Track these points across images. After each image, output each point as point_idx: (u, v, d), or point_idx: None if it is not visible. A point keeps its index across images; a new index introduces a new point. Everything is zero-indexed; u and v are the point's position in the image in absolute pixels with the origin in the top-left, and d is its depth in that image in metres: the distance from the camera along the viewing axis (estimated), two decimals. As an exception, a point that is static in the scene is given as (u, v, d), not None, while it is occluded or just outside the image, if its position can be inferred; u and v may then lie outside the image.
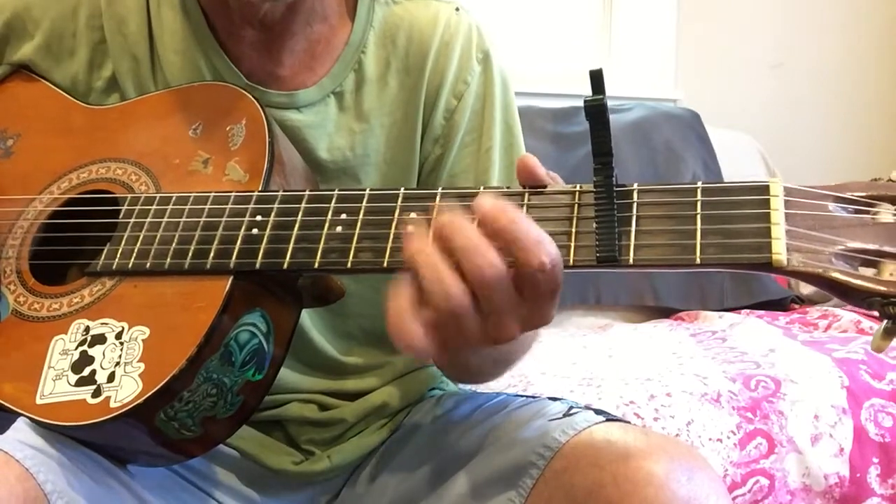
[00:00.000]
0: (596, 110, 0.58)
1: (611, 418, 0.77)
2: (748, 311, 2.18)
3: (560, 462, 0.73)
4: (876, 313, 0.53)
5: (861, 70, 2.79)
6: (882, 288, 0.53)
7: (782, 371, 1.53)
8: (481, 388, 0.97)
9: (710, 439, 1.40)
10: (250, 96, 0.80)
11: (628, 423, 0.78)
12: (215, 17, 0.86)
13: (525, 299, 0.58)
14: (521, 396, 0.87)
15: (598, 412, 0.79)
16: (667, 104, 2.61)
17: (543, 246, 0.56)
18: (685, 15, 2.72)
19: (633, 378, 1.52)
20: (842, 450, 1.43)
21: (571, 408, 0.80)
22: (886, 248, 0.54)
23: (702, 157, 2.37)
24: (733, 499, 1.38)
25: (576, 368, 1.63)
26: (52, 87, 0.89)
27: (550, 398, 0.85)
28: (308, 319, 0.87)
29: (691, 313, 2.17)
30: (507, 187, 0.65)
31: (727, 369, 1.55)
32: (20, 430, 0.68)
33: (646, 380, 1.51)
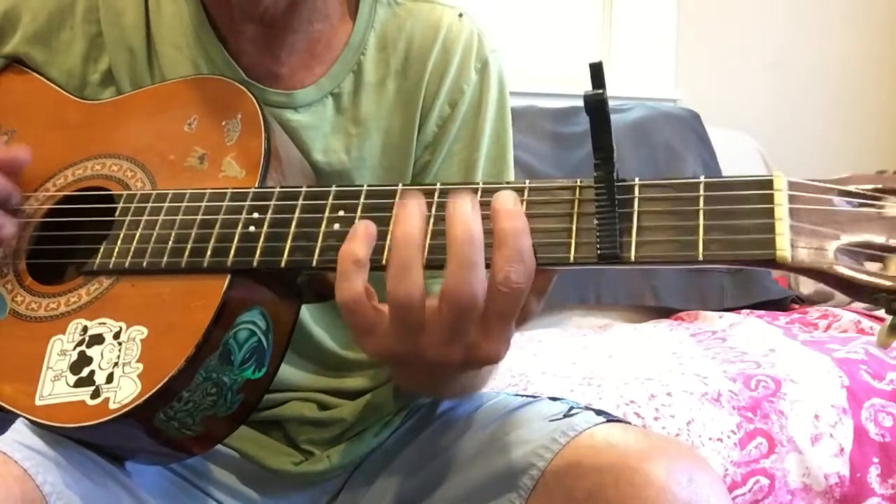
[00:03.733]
0: (596, 104, 0.56)
1: (611, 419, 0.77)
2: (748, 311, 2.18)
3: (560, 463, 0.72)
4: (882, 310, 0.52)
5: (861, 70, 2.79)
6: (888, 283, 0.51)
7: (782, 371, 1.53)
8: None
9: (710, 439, 1.40)
10: (245, 90, 0.78)
11: (629, 423, 0.78)
12: (216, 11, 0.85)
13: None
14: (521, 396, 0.87)
15: (598, 413, 0.78)
16: (667, 104, 2.61)
17: (524, 265, 0.56)
18: (685, 15, 2.72)
19: (633, 378, 1.52)
20: (842, 450, 1.43)
21: (572, 408, 0.79)
22: (893, 243, 0.53)
23: (702, 157, 2.38)
24: (733, 499, 1.38)
25: (576, 368, 1.63)
26: (47, 81, 0.88)
27: (551, 398, 0.85)
28: (307, 313, 0.86)
29: (691, 313, 2.17)
30: (507, 183, 0.65)
31: (727, 369, 1.55)
32: (19, 430, 0.68)
33: (646, 379, 1.51)
